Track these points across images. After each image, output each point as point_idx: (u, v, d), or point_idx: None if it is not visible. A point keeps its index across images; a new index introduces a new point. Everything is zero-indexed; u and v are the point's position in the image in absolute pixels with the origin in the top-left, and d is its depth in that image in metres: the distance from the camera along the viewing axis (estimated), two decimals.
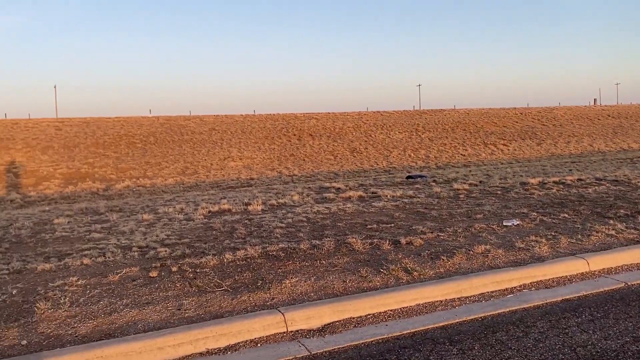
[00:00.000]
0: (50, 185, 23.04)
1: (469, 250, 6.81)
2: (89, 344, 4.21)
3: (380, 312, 5.03)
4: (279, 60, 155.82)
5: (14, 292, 5.65)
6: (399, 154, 34.15)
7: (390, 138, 38.50)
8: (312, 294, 5.32)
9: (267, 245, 7.34)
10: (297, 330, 4.67)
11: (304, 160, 31.45)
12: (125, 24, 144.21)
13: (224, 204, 11.95)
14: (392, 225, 8.64)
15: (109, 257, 7.09)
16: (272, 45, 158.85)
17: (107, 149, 30.88)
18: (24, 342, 4.35)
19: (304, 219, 9.46)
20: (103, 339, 4.36)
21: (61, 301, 5.25)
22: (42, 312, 4.98)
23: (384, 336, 4.57)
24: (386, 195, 12.25)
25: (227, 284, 5.68)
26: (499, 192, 12.41)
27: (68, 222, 10.73)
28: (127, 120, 39.33)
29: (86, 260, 6.91)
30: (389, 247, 7.00)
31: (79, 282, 5.88)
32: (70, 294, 5.47)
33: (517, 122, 48.39)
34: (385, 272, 5.92)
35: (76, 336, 4.45)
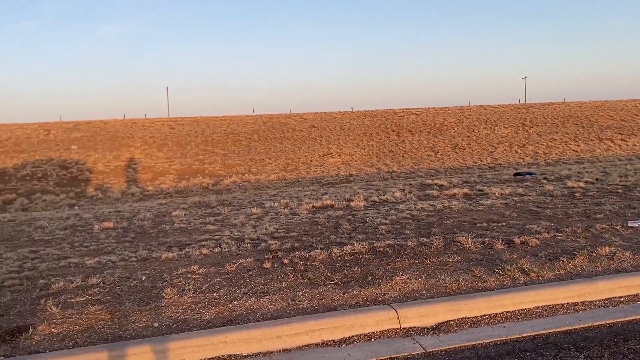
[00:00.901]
0: (165, 180, 24.76)
1: (591, 252, 6.36)
2: (213, 330, 4.48)
3: (496, 313, 4.86)
4: (376, 57, 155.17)
5: (143, 277, 6.14)
6: (505, 150, 32.66)
7: (494, 133, 36.94)
8: (424, 292, 5.25)
9: (374, 241, 7.35)
10: (411, 327, 4.63)
11: (403, 156, 31.09)
12: (229, 28, 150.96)
13: (326, 200, 12.16)
14: (504, 224, 8.29)
15: (224, 248, 7.49)
16: (369, 43, 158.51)
17: (215, 146, 32.57)
18: (156, 324, 4.72)
19: (409, 216, 9.36)
20: (225, 325, 4.61)
21: (185, 288, 5.63)
22: (169, 297, 5.37)
23: (502, 338, 4.40)
24: (494, 193, 11.78)
25: (337, 277, 5.77)
26: (619, 190, 11.48)
27: (184, 214, 11.47)
28: (232, 119, 41.22)
29: (204, 251, 7.35)
30: (502, 247, 6.73)
31: (200, 271, 6.27)
32: (193, 282, 5.84)
33: (636, 114, 44.35)
34: (500, 272, 5.70)
35: (201, 321, 4.74)
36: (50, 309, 5.13)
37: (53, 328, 4.70)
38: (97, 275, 6.26)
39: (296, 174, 27.61)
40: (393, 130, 37.43)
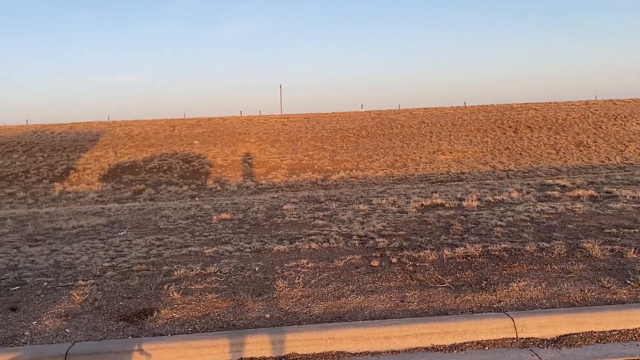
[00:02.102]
0: (277, 174, 25.63)
1: None
2: (322, 325, 4.52)
3: (628, 329, 4.39)
4: (491, 49, 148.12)
5: (257, 268, 6.38)
6: (637, 148, 29.65)
7: (625, 130, 33.66)
8: (544, 301, 4.89)
9: (488, 244, 7.01)
10: (528, 338, 4.34)
11: (520, 154, 29.38)
12: (339, 27, 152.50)
13: (435, 198, 11.82)
14: (637, 230, 7.50)
15: (332, 244, 7.56)
16: (483, 35, 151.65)
17: (324, 142, 33.11)
18: (267, 315, 4.87)
19: (527, 219, 8.81)
20: (334, 321, 4.64)
21: (296, 281, 5.75)
22: (280, 289, 5.52)
23: (635, 357, 3.97)
24: (625, 196, 10.72)
25: (448, 280, 5.57)
26: None
27: (294, 208, 11.77)
28: (341, 116, 41.62)
29: (313, 245, 7.47)
30: (635, 256, 6.08)
31: (309, 265, 6.38)
32: (302, 275, 5.96)
33: None
34: (632, 284, 5.15)
35: (310, 315, 4.81)
36: (172, 294, 5.50)
37: (174, 313, 5.02)
38: (215, 265, 6.61)
39: (404, 171, 27.21)
40: (510, 126, 35.54)
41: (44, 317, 5.02)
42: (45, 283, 6.17)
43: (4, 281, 6.33)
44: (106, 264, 6.95)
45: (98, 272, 6.56)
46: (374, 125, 37.58)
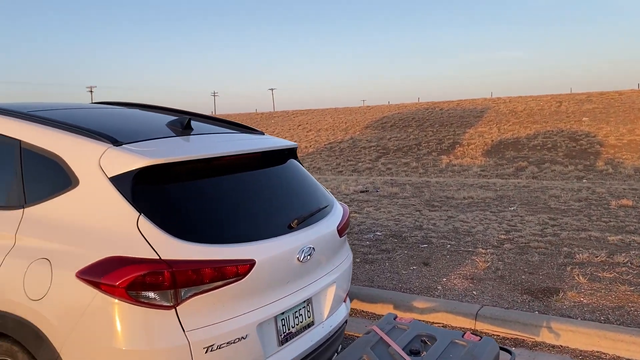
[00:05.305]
0: None
1: None
2: None
3: None
4: None
5: None
6: None
7: None
8: None
9: None
10: None
11: None
12: None
13: None
14: None
15: None
16: None
17: None
18: None
19: None
20: None
21: None
22: None
23: None
24: None
25: None
26: None
27: None
28: None
29: None
30: None
31: None
32: None
33: None
34: None
35: None
36: (577, 278, 5.19)
37: (582, 297, 4.73)
38: (623, 254, 5.94)
39: None
40: None
41: (452, 276, 5.50)
42: (449, 245, 6.74)
43: (414, 238, 7.23)
44: (502, 236, 7.11)
45: (495, 243, 6.77)
46: None
